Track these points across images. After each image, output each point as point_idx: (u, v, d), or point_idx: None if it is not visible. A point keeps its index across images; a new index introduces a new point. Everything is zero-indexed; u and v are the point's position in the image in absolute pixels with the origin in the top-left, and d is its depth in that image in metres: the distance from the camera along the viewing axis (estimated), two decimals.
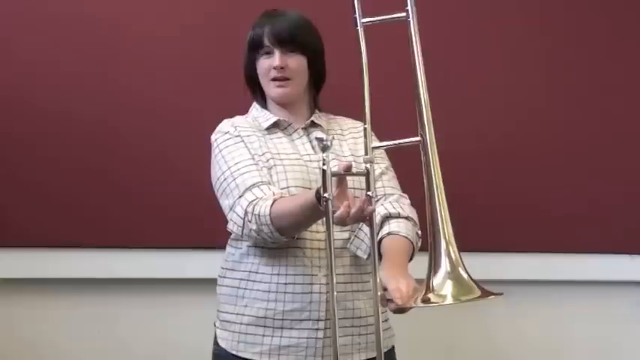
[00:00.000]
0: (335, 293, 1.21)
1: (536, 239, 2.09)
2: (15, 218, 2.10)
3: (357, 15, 1.29)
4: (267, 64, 1.56)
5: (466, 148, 1.98)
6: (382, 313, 1.52)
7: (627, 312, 2.14)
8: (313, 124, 1.62)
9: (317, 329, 1.46)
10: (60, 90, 2.12)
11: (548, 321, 2.15)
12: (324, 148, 1.19)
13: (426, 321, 2.01)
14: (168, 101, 2.10)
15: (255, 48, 1.58)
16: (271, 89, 1.59)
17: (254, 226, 1.43)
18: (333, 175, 1.21)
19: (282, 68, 1.54)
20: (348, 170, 1.22)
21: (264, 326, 1.48)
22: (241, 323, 1.51)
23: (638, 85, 2.10)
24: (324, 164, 1.18)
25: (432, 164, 1.17)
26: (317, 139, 1.26)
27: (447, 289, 1.11)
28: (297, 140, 1.60)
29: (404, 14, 1.28)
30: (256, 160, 1.52)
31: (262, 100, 1.65)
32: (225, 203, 1.53)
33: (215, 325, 1.61)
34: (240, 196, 1.48)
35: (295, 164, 1.53)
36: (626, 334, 2.15)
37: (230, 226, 1.52)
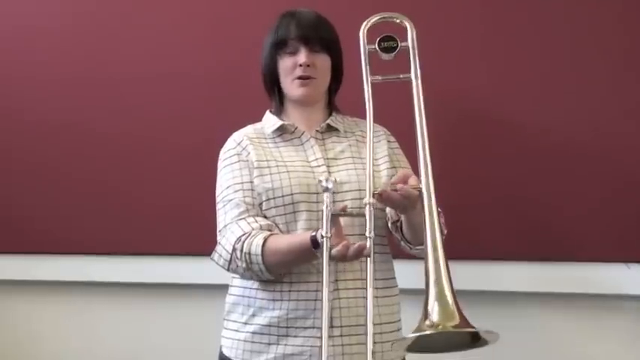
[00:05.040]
0: (326, 333, 1.24)
1: (526, 247, 1.94)
2: (16, 224, 2.16)
3: (365, 73, 1.41)
4: (292, 62, 1.53)
5: (464, 155, 1.97)
6: (396, 322, 1.54)
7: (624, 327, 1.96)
8: (329, 128, 1.59)
9: (320, 337, 1.38)
10: (59, 101, 2.17)
11: (543, 337, 1.97)
12: (325, 190, 1.27)
13: None
14: (166, 111, 2.11)
15: (280, 47, 1.55)
16: (294, 88, 1.55)
17: (243, 264, 1.43)
18: (333, 215, 1.28)
19: (308, 66, 1.52)
20: (344, 211, 1.32)
21: (269, 334, 1.47)
22: (247, 332, 1.50)
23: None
24: (325, 206, 1.27)
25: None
26: (319, 180, 1.31)
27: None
28: (307, 143, 1.56)
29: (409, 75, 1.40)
30: (251, 179, 1.50)
31: (279, 102, 1.61)
32: (217, 222, 1.53)
33: (222, 335, 1.57)
34: (225, 226, 1.48)
35: (300, 170, 1.51)
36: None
37: (215, 258, 1.49)
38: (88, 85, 2.15)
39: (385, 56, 1.42)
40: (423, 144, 1.31)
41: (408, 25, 1.45)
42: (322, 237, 1.26)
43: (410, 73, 1.41)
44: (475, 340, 1.18)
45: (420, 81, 1.39)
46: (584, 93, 1.94)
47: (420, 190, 1.27)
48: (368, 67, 1.43)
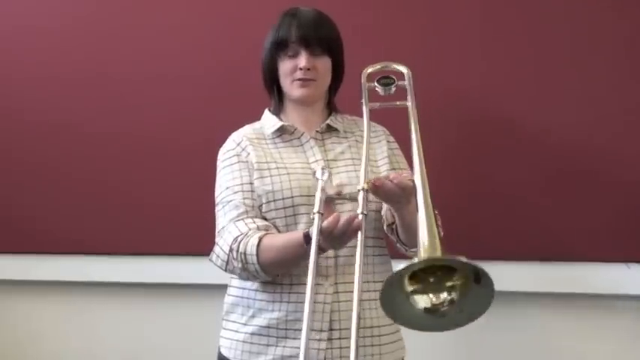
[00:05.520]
0: (308, 311, 1.21)
1: (526, 247, 1.95)
2: (16, 224, 2.17)
3: (364, 104, 1.49)
4: (292, 65, 1.52)
5: (464, 155, 1.97)
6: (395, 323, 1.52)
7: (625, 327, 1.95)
8: (329, 128, 1.59)
9: (319, 340, 1.42)
10: (59, 101, 2.17)
11: (541, 336, 1.98)
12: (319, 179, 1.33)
13: (436, 335, 1.92)
14: (166, 111, 2.11)
15: (280, 48, 1.53)
16: (294, 89, 1.54)
17: (239, 264, 1.42)
18: (328, 198, 1.29)
19: (308, 70, 1.51)
20: (338, 194, 1.34)
21: (268, 336, 1.46)
22: (246, 333, 1.49)
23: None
24: (319, 188, 1.30)
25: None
26: (313, 172, 1.35)
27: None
28: (306, 144, 1.56)
29: (405, 102, 1.46)
30: (250, 181, 1.50)
31: (279, 101, 1.61)
32: (216, 223, 1.52)
33: (221, 335, 1.57)
34: (223, 227, 1.48)
35: (300, 172, 1.50)
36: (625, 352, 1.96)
37: (213, 259, 1.48)
38: (88, 85, 2.15)
39: (383, 92, 1.53)
40: (421, 171, 1.28)
41: (404, 70, 1.54)
42: (313, 214, 1.26)
43: (406, 100, 1.47)
44: (473, 305, 1.19)
45: (415, 111, 1.43)
46: (584, 93, 1.94)
47: (413, 182, 1.27)
48: (367, 101, 1.50)
